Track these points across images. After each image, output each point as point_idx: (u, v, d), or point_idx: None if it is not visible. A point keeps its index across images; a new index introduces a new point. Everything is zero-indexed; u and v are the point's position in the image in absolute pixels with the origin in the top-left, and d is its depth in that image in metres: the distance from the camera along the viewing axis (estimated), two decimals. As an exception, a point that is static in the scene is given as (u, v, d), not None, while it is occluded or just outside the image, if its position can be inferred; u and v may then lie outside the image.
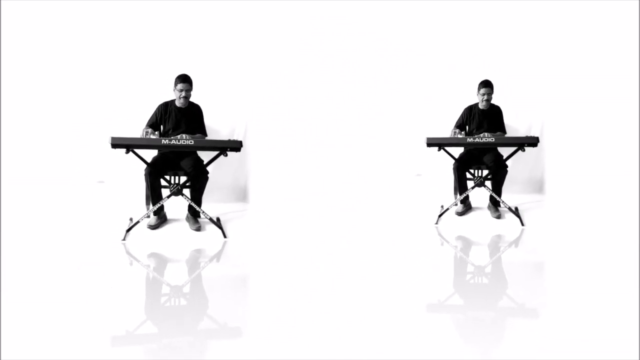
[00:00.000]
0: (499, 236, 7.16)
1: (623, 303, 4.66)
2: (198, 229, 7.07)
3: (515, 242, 6.91)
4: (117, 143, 6.47)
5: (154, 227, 7.09)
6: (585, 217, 7.26)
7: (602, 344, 3.93)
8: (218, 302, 5.04)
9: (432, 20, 8.36)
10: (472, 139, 7.35)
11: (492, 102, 7.80)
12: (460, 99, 8.12)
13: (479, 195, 7.81)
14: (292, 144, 8.03)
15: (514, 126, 8.21)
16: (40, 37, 7.76)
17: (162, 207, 7.19)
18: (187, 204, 7.07)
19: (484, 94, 7.70)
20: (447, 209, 7.55)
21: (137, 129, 7.31)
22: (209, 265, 6.25)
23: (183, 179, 7.08)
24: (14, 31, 7.56)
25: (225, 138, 7.82)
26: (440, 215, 7.52)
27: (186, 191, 7.06)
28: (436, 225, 7.42)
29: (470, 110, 7.85)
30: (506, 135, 7.78)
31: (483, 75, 7.88)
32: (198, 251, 6.73)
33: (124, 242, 6.72)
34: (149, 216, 7.04)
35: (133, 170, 7.29)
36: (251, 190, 8.20)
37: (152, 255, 6.57)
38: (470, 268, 6.09)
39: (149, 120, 7.40)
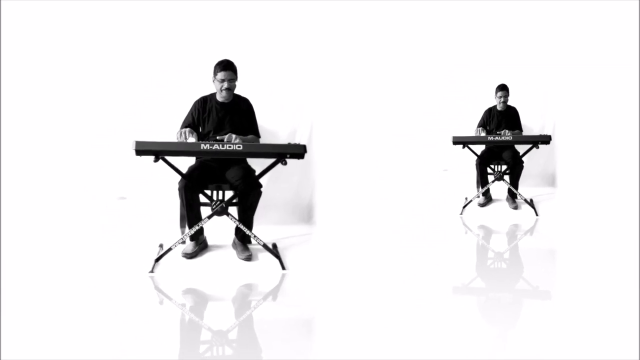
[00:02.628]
0: (516, 225, 5.39)
1: (628, 285, 3.58)
2: (248, 259, 3.65)
3: (531, 230, 5.22)
4: (143, 149, 3.28)
5: (190, 255, 3.66)
6: (594, 208, 5.69)
7: (608, 323, 2.99)
8: (273, 351, 2.56)
9: (450, 31, 6.09)
10: (492, 137, 5.57)
11: (509, 103, 5.89)
12: (481, 102, 6.10)
13: (498, 188, 5.90)
14: (357, 148, 5.24)
15: (529, 126, 6.19)
16: (55, 43, 4.60)
17: (201, 231, 3.76)
18: (234, 226, 3.69)
19: (500, 97, 5.80)
20: (471, 201, 5.67)
21: (168, 133, 3.90)
22: (263, 304, 3.10)
23: (229, 194, 3.72)
24: (29, 41, 4.43)
25: (284, 141, 4.29)
26: (464, 207, 5.65)
27: (233, 210, 3.73)
28: (461, 215, 5.58)
29: (490, 112, 5.93)
30: (522, 134, 5.88)
31: (500, 80, 5.94)
32: (248, 287, 3.46)
33: (152, 274, 3.43)
34: (184, 242, 3.68)
35: (163, 183, 4.03)
36: (317, 209, 4.68)
37: (189, 291, 3.35)
38: (490, 254, 4.61)
39: (185, 121, 3.97)
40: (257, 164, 3.82)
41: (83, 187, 4.41)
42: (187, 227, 3.65)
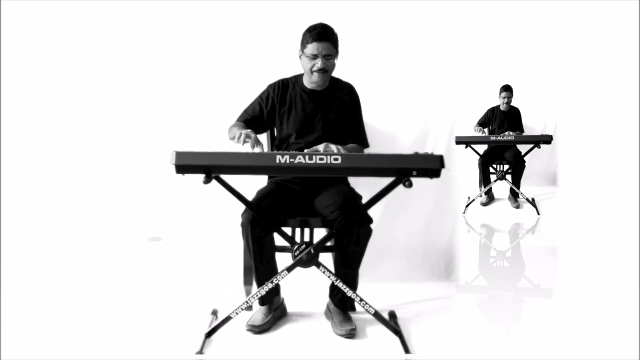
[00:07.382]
0: (517, 224, 4.36)
1: (629, 284, 2.55)
2: (350, 335, 1.69)
3: (532, 229, 4.18)
4: (187, 163, 1.39)
5: (260, 328, 1.73)
6: (595, 207, 4.52)
7: (609, 322, 2.07)
8: None
9: (451, 31, 4.46)
10: (494, 137, 4.38)
11: (512, 104, 4.69)
12: (482, 102, 4.65)
13: (501, 188, 4.72)
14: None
15: (531, 125, 5.01)
16: (72, 52, 2.43)
17: (276, 291, 1.86)
18: (330, 283, 1.81)
19: (504, 97, 4.58)
20: (473, 200, 4.49)
21: (221, 141, 1.79)
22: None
23: (320, 233, 1.81)
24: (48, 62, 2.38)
25: (408, 151, 1.63)
26: (467, 205, 4.44)
27: (327, 258, 1.76)
28: (464, 214, 4.37)
29: (493, 112, 4.74)
30: (523, 134, 4.67)
31: (502, 79, 4.59)
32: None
33: (201, 356, 1.54)
34: (250, 307, 1.78)
35: (217, 217, 2.06)
36: (461, 258, 2.66)
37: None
38: (493, 252, 3.58)
39: (246, 112, 1.94)
40: (364, 187, 1.91)
41: (101, 224, 2.34)
42: (254, 285, 1.87)
